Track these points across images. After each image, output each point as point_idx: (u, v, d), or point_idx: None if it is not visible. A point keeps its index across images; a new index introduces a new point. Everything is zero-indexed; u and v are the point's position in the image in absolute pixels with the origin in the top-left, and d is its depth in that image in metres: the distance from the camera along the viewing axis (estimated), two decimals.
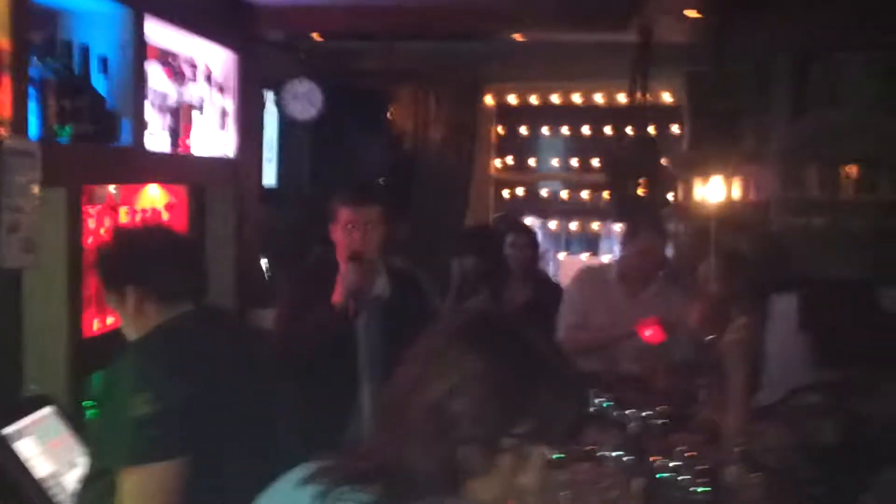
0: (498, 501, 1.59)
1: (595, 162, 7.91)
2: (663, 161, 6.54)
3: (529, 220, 7.33)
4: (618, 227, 7.30)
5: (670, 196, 6.82)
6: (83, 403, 3.28)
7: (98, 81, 3.25)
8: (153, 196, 4.07)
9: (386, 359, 3.66)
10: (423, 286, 4.18)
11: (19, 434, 2.65)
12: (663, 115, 7.37)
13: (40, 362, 2.94)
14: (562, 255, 8.17)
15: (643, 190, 6.30)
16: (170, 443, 2.27)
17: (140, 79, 3.54)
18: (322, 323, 3.70)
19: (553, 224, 8.14)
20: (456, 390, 1.54)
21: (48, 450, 2.70)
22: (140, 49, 3.53)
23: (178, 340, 2.47)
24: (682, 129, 7.29)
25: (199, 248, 2.88)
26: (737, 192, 5.95)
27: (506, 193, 8.26)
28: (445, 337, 1.64)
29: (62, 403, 2.90)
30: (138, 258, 2.56)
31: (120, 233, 3.00)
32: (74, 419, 2.89)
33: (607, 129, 7.82)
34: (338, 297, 3.69)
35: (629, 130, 6.93)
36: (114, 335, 3.33)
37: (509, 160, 8.30)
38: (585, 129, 7.99)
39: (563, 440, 1.61)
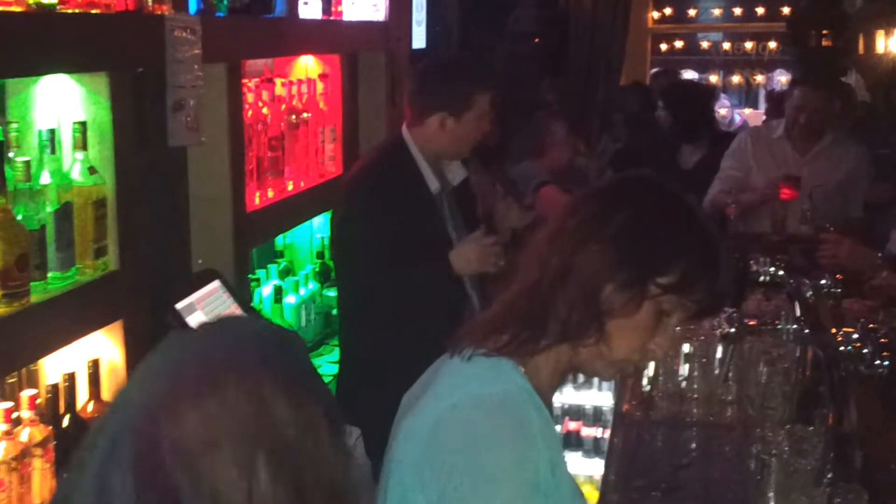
0: (633, 354, 1.62)
1: (760, 10, 7.51)
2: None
3: (689, 75, 7.06)
4: (784, 80, 6.97)
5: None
6: (248, 276, 3.35)
7: None
8: (306, 66, 4.05)
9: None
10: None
11: (191, 308, 2.70)
12: None
13: (206, 237, 2.98)
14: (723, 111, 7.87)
15: (827, 42, 5.95)
16: None
17: None
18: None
19: (714, 78, 7.82)
20: (598, 238, 1.57)
21: None
22: None
23: None
24: None
25: None
26: None
27: (663, 47, 7.95)
28: (594, 193, 1.68)
29: (227, 277, 2.95)
30: None
31: None
32: (239, 293, 2.94)
33: None
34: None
35: None
36: (276, 208, 3.40)
37: (667, 11, 7.96)
38: None
39: (708, 303, 1.63)
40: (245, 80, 3.31)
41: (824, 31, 6.11)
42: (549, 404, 1.67)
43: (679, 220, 1.61)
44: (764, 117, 7.03)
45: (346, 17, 4.03)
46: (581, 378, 1.82)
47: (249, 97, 3.35)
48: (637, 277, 1.56)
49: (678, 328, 1.67)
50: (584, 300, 1.56)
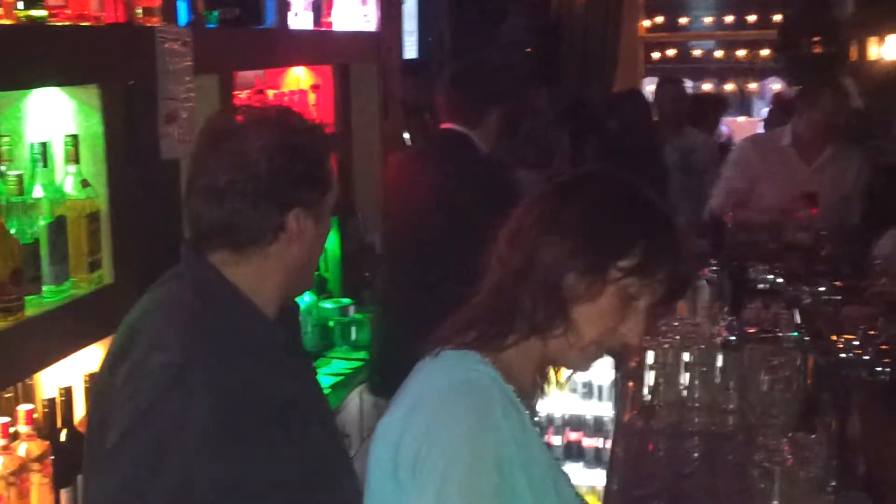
0: (602, 338, 1.64)
1: (751, 18, 7.51)
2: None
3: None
4: (777, 87, 6.97)
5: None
6: None
7: None
8: (298, 78, 4.04)
9: None
10: None
11: None
12: None
13: None
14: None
15: (818, 48, 5.93)
16: None
17: None
18: None
19: (707, 86, 7.81)
20: (556, 230, 1.60)
21: None
22: None
23: None
24: None
25: None
26: None
27: (656, 55, 7.96)
28: (548, 191, 1.70)
29: None
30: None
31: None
32: None
33: None
34: None
35: None
36: None
37: (659, 20, 7.96)
38: None
39: (673, 284, 1.65)
40: (237, 92, 3.30)
41: (815, 38, 6.13)
42: (531, 404, 1.71)
43: (633, 205, 1.65)
44: (762, 124, 6.99)
45: (336, 28, 4.02)
46: (583, 388, 1.81)
47: None
48: (597, 263, 1.59)
49: (651, 312, 1.67)
50: (546, 292, 1.59)
